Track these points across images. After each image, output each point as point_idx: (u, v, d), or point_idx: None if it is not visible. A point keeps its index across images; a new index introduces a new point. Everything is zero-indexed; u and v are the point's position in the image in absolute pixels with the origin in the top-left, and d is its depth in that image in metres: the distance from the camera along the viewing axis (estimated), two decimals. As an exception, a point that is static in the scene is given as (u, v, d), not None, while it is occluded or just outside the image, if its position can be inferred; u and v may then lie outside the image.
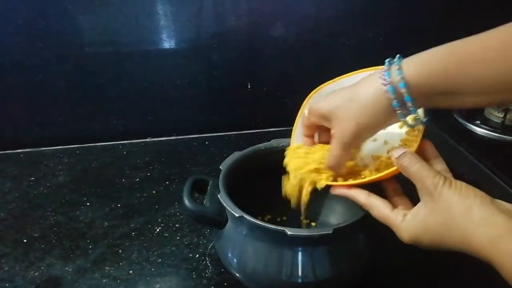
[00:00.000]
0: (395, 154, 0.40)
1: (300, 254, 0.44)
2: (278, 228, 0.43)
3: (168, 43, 0.83)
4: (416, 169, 0.38)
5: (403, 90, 0.37)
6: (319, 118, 0.44)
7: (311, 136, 0.49)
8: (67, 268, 0.56)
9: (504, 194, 0.64)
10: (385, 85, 0.38)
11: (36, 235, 0.62)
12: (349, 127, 0.41)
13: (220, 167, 0.52)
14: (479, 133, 0.81)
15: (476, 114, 0.85)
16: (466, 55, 0.36)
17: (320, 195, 0.60)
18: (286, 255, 0.44)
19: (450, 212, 0.35)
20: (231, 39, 0.85)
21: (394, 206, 0.41)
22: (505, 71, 0.34)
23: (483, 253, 0.33)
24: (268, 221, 0.53)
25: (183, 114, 0.92)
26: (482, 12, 0.88)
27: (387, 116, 0.39)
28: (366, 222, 0.44)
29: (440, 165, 0.41)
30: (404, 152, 0.40)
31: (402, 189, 0.44)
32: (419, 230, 0.37)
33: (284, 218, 0.61)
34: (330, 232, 0.42)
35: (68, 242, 0.60)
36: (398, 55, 0.39)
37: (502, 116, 0.80)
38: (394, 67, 0.38)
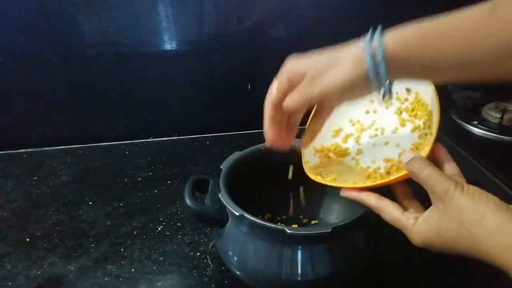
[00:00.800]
0: (405, 158, 0.39)
1: (299, 252, 0.44)
2: (278, 226, 0.43)
3: (169, 44, 0.83)
4: (426, 175, 0.37)
5: (379, 57, 0.36)
6: (294, 76, 0.42)
7: (278, 121, 0.45)
8: (69, 267, 0.56)
9: (502, 194, 0.64)
10: (364, 53, 0.37)
11: (39, 234, 0.62)
12: (318, 85, 0.40)
13: (221, 167, 0.52)
14: (477, 133, 0.81)
15: (474, 114, 0.85)
16: (444, 28, 0.36)
17: (320, 194, 0.61)
18: (286, 254, 0.45)
19: (462, 217, 0.34)
20: (232, 40, 0.85)
21: (404, 209, 0.41)
22: (477, 47, 0.34)
23: (497, 261, 0.33)
24: (268, 220, 0.54)
25: (184, 115, 0.92)
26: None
27: (360, 84, 0.38)
28: (365, 221, 0.45)
29: (452, 169, 0.40)
30: (414, 157, 0.39)
31: (413, 192, 0.43)
32: (431, 235, 0.37)
33: (284, 216, 0.62)
34: (329, 230, 0.42)
35: (71, 241, 0.61)
36: (380, 26, 0.38)
37: (499, 116, 0.80)
38: (376, 35, 0.37)
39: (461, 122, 0.84)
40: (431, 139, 0.43)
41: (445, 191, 0.36)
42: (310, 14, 0.86)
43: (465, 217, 0.34)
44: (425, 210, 0.39)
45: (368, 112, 0.55)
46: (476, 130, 0.81)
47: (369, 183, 0.44)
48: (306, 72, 0.41)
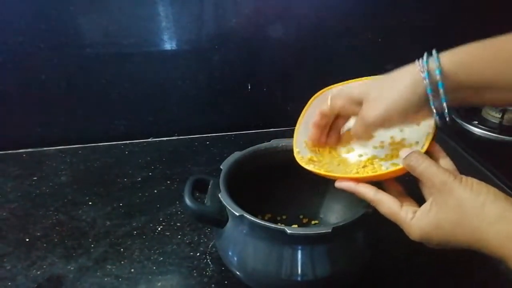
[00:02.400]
0: (403, 154, 0.40)
1: (299, 252, 0.44)
2: (278, 227, 0.43)
3: (169, 44, 0.83)
4: (424, 168, 0.38)
5: (437, 77, 0.37)
6: (347, 101, 0.44)
7: (322, 127, 0.49)
8: (69, 267, 0.56)
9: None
10: (422, 71, 0.38)
11: (39, 234, 0.62)
12: (379, 108, 0.40)
13: (221, 167, 0.52)
14: (477, 133, 0.81)
15: (474, 114, 0.85)
16: (504, 50, 0.37)
17: (320, 194, 0.61)
18: (286, 254, 0.44)
19: (462, 209, 0.34)
20: (232, 40, 0.85)
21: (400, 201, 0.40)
22: None
23: (498, 251, 0.33)
24: (268, 220, 0.54)
25: (184, 115, 0.92)
26: (482, 12, 0.88)
27: (419, 103, 0.39)
28: (365, 221, 0.45)
29: (447, 164, 0.41)
30: (411, 152, 0.40)
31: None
32: (430, 228, 0.37)
33: (284, 217, 0.62)
34: (329, 230, 0.42)
35: (70, 241, 0.61)
36: (435, 51, 0.39)
37: (499, 116, 0.80)
38: (432, 57, 0.38)
39: (461, 121, 0.84)
40: (429, 136, 0.43)
41: (443, 183, 0.36)
42: (310, 14, 0.86)
43: (465, 208, 0.34)
44: (420, 206, 0.39)
45: None
46: (477, 130, 0.81)
47: (367, 174, 0.44)
48: (363, 96, 0.42)
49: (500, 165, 0.69)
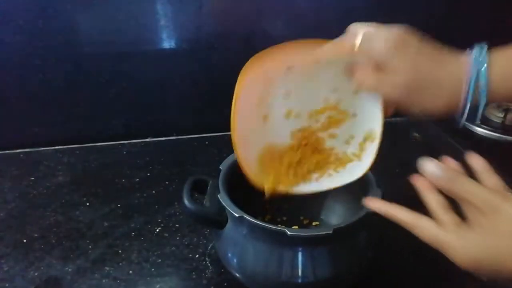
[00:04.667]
0: (429, 168, 0.35)
1: (300, 254, 0.44)
2: (278, 228, 0.43)
3: (167, 43, 0.83)
4: (461, 186, 0.34)
5: (482, 98, 0.38)
6: (388, 62, 0.41)
7: None
8: (66, 268, 0.56)
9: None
10: (467, 89, 0.38)
11: (36, 235, 0.62)
12: (412, 104, 0.40)
13: (220, 167, 0.52)
14: (480, 133, 0.81)
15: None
16: None
17: (321, 195, 0.60)
18: (286, 255, 0.44)
19: None
20: (231, 39, 0.85)
21: (440, 223, 0.35)
22: None
23: None
24: (268, 221, 0.53)
25: (183, 114, 0.92)
26: (482, 12, 0.88)
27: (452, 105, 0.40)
28: (367, 222, 0.44)
29: (492, 179, 0.36)
30: (442, 167, 0.35)
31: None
32: (479, 250, 0.33)
33: (285, 218, 0.61)
34: (330, 232, 0.42)
35: (68, 242, 0.60)
36: (485, 47, 0.38)
37: (502, 116, 0.80)
38: (482, 75, 0.38)
39: (464, 121, 0.84)
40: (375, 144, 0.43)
41: (489, 205, 0.33)
42: (310, 12, 0.85)
43: None
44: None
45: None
46: (479, 130, 0.81)
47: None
48: (403, 77, 0.40)
49: (503, 165, 0.69)
